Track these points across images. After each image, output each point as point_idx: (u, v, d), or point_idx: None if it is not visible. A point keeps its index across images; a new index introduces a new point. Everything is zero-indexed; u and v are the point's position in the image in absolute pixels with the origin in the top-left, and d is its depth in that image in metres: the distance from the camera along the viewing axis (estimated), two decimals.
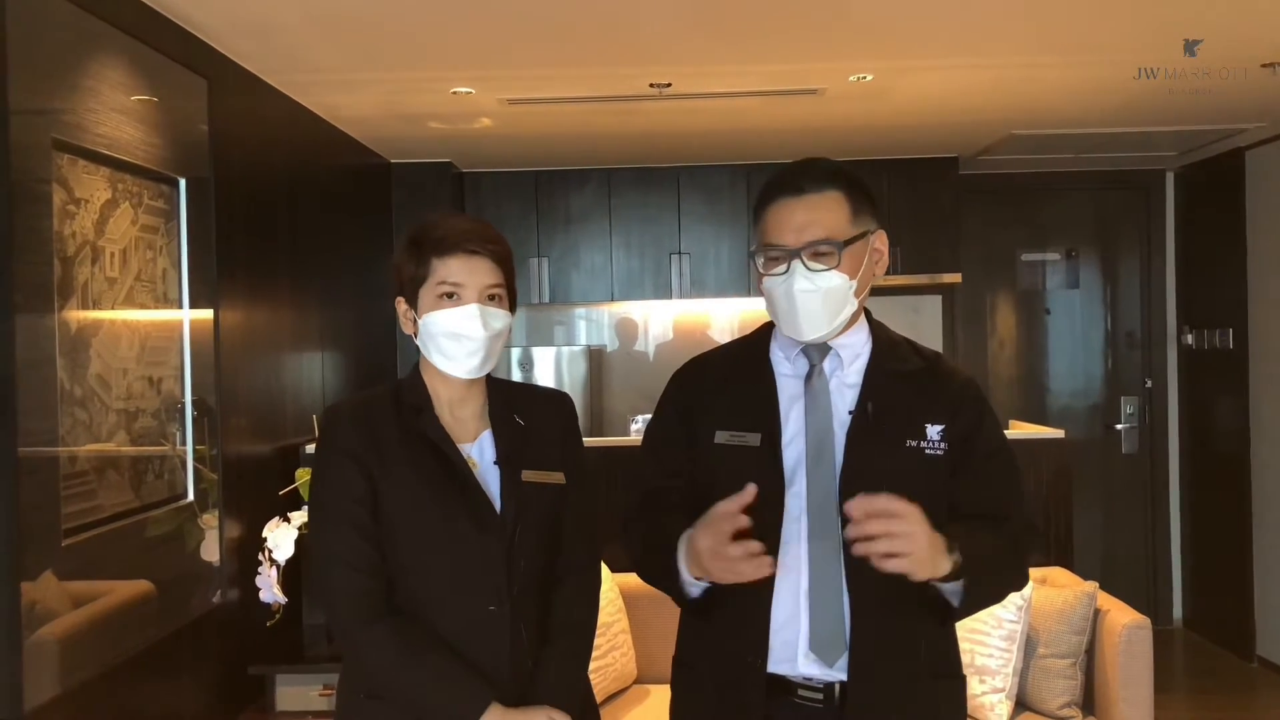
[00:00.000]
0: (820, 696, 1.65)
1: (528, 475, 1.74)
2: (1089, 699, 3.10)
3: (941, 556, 1.55)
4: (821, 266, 1.66)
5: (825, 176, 1.70)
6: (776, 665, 1.66)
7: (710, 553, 1.56)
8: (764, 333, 1.83)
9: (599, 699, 3.18)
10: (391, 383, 1.82)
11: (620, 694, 3.27)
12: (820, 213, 1.68)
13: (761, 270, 1.72)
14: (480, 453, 1.76)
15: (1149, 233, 5.74)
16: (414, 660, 1.64)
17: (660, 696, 3.26)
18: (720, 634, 1.70)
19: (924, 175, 5.26)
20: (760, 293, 1.78)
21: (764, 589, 1.64)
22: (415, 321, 1.74)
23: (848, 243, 1.67)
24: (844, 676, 1.64)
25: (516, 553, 1.71)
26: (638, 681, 3.33)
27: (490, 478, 1.74)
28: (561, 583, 1.79)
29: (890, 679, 1.66)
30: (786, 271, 1.67)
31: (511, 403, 1.81)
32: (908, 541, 1.51)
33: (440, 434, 1.73)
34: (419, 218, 1.84)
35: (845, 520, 1.63)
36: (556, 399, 1.88)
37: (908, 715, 1.69)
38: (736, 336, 2.02)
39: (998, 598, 1.75)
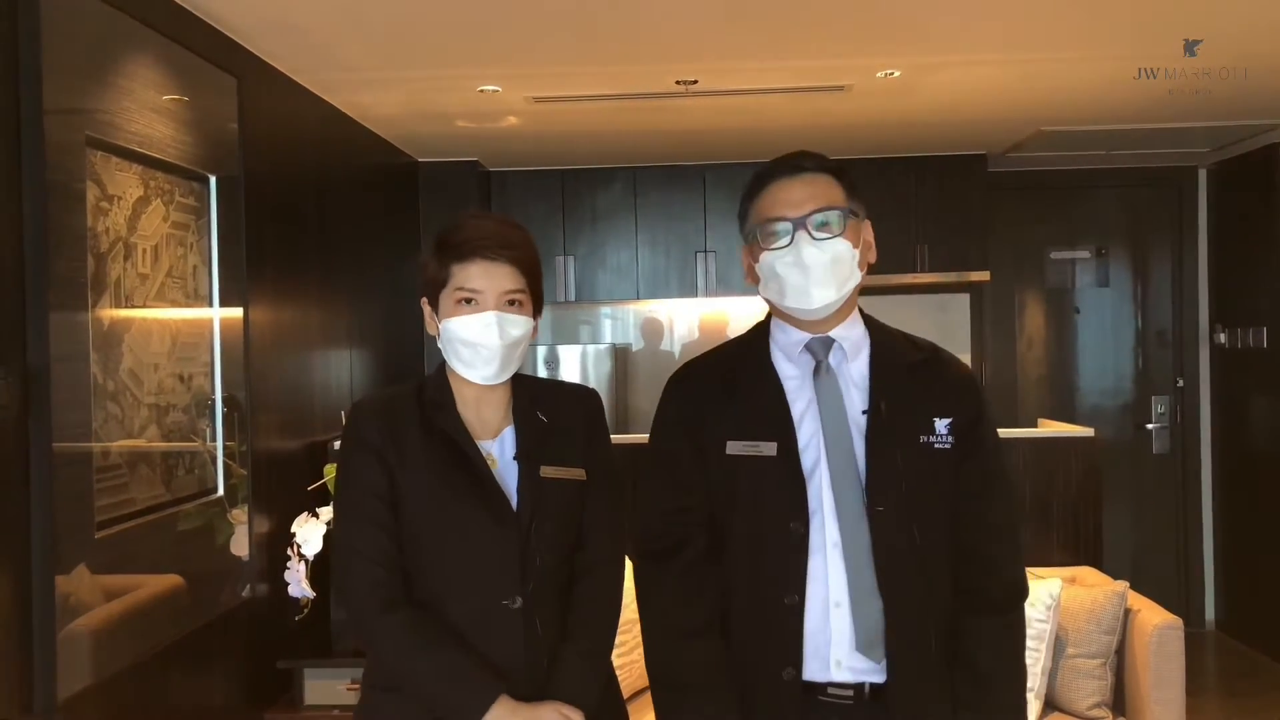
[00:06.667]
0: (850, 694, 1.66)
1: (546, 471, 1.74)
2: (1119, 700, 3.07)
3: None
4: (826, 235, 1.68)
5: (818, 162, 1.74)
6: (808, 675, 1.66)
7: None
8: (759, 335, 1.80)
9: (624, 695, 3.19)
10: (418, 380, 1.82)
11: (644, 692, 3.27)
12: (819, 187, 1.72)
13: (762, 245, 1.71)
14: (501, 449, 1.75)
15: (1181, 230, 5.68)
16: (426, 651, 1.64)
17: None
18: (746, 647, 1.69)
19: (952, 172, 5.23)
20: (754, 282, 1.77)
21: (794, 606, 1.64)
22: (437, 325, 1.74)
23: (849, 213, 1.71)
24: (876, 678, 1.65)
25: (532, 548, 1.70)
26: None
27: (509, 474, 1.73)
28: (582, 579, 1.78)
29: (928, 673, 1.67)
30: (791, 243, 1.68)
31: (536, 399, 1.80)
32: None
33: (459, 431, 1.72)
34: (446, 216, 1.84)
35: (873, 521, 1.64)
36: (582, 395, 1.87)
37: (943, 701, 1.69)
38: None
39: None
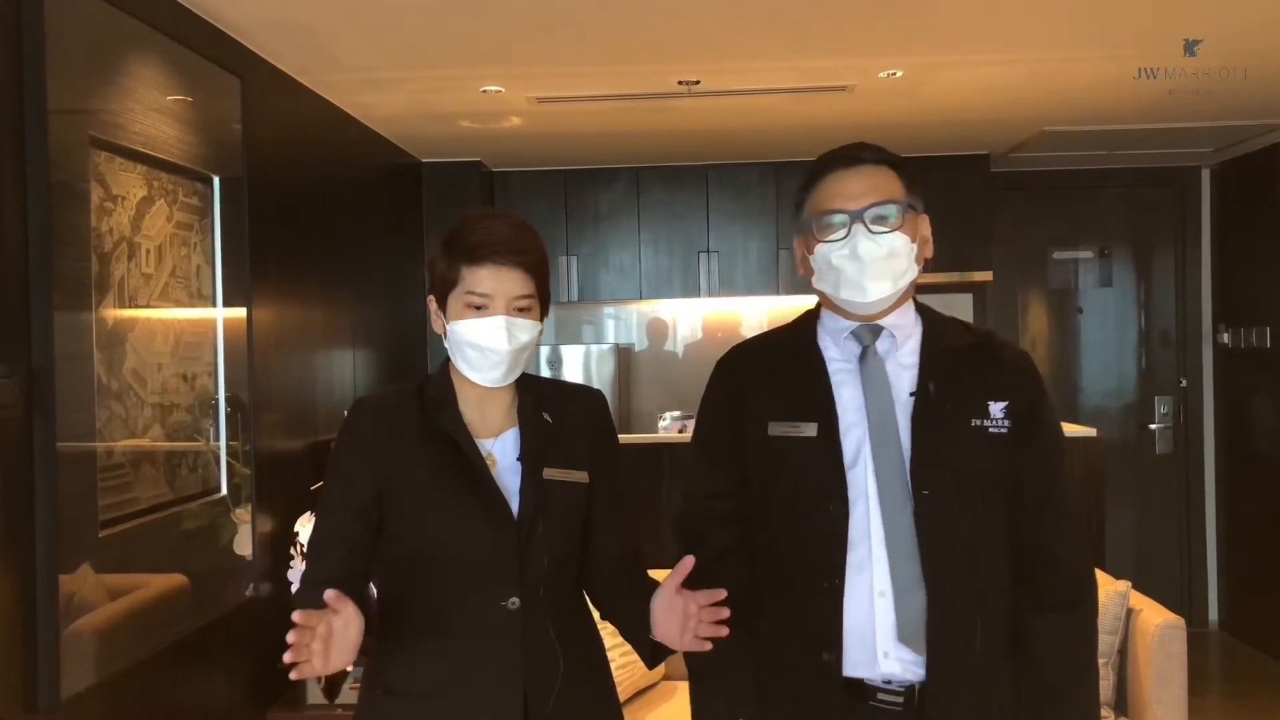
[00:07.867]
0: (900, 700, 1.61)
1: (549, 473, 1.72)
2: (1121, 700, 3.07)
3: None
4: (883, 229, 1.66)
5: (876, 154, 1.71)
6: (853, 669, 1.62)
7: None
8: (807, 321, 1.79)
9: (625, 696, 3.20)
10: (420, 378, 1.82)
11: (648, 690, 3.28)
12: (878, 179, 1.69)
13: (818, 237, 1.69)
14: (502, 449, 1.74)
15: (1184, 230, 5.67)
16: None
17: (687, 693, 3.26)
18: (784, 633, 1.66)
19: (955, 172, 5.23)
20: (807, 273, 1.74)
21: (833, 590, 1.61)
22: (444, 324, 1.74)
23: (907, 206, 1.68)
24: (925, 673, 1.61)
25: (534, 550, 1.68)
26: (666, 678, 3.33)
27: (510, 475, 1.72)
28: (599, 570, 1.77)
29: (971, 669, 1.63)
30: (847, 235, 1.66)
31: (541, 400, 1.78)
32: None
33: (459, 430, 1.71)
34: (449, 216, 1.82)
35: (918, 506, 1.60)
36: (588, 396, 1.86)
37: (988, 699, 1.65)
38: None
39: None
